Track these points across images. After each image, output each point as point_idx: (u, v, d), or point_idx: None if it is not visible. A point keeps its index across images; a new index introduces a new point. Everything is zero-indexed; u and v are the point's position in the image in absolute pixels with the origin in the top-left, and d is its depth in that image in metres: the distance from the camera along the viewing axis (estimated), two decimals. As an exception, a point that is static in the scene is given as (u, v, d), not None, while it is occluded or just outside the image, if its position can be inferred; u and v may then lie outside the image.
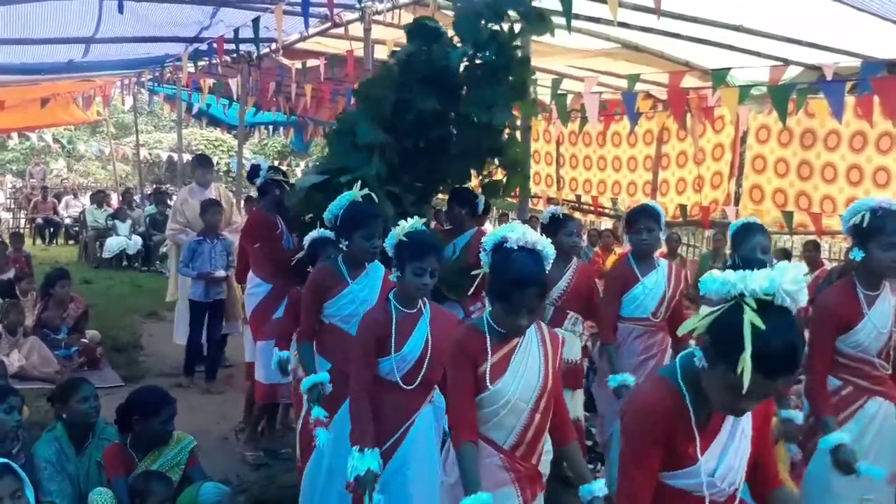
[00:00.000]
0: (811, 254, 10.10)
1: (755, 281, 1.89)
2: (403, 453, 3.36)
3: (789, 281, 1.88)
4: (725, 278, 1.94)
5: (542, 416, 2.75)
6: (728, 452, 2.13)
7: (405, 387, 3.33)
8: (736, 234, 3.99)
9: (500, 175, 5.40)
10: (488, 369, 2.69)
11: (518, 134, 5.27)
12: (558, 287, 4.83)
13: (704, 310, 2.02)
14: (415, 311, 3.36)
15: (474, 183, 5.71)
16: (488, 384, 2.68)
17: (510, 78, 4.94)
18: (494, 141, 5.07)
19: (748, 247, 3.88)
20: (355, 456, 3.09)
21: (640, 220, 4.41)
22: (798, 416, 3.70)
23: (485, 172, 5.35)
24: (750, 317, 1.84)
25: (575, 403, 4.87)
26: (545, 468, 2.86)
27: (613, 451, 4.49)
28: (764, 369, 1.84)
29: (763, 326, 1.83)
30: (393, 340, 3.28)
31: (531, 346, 2.77)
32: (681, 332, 2.15)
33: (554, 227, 4.88)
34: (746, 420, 2.16)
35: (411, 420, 3.39)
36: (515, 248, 2.64)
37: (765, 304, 1.87)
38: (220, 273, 6.95)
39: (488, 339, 2.72)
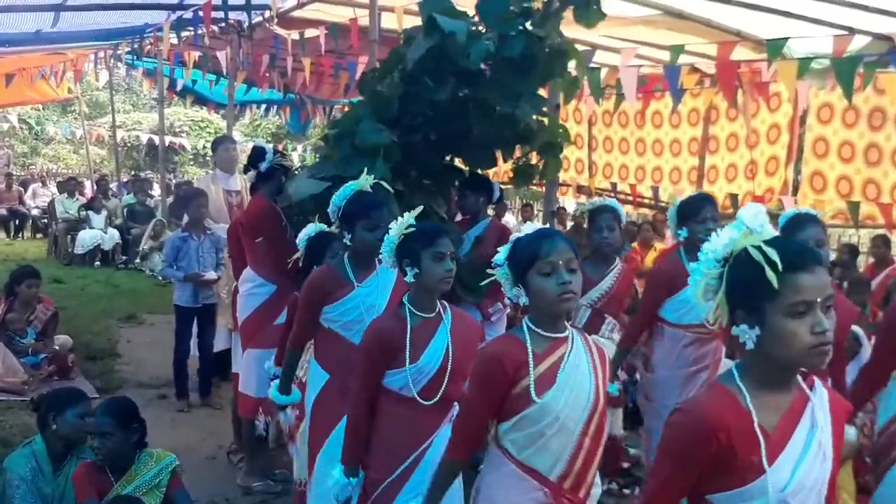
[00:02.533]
0: (880, 250, 10.01)
1: (723, 238, 2.08)
2: (419, 479, 3.27)
3: (749, 219, 2.06)
4: (702, 260, 2.11)
5: (592, 441, 2.69)
6: (801, 465, 2.06)
7: (423, 402, 3.28)
8: (786, 226, 3.98)
9: (533, 159, 5.40)
10: (533, 381, 2.63)
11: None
12: (599, 288, 4.85)
13: None
14: (433, 315, 3.32)
15: (506, 168, 5.73)
16: (534, 397, 2.61)
17: (543, 68, 4.96)
18: (522, 127, 5.09)
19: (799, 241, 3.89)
20: (337, 473, 3.23)
21: (705, 208, 4.44)
22: (851, 433, 3.68)
23: (517, 156, 5.36)
24: (744, 239, 2.04)
25: (613, 420, 4.90)
26: None
27: None
28: (790, 264, 1.98)
29: (759, 243, 2.02)
30: (408, 351, 3.24)
31: (580, 357, 2.72)
32: (713, 322, 2.17)
33: (588, 222, 4.94)
34: (824, 432, 2.10)
35: (429, 441, 3.32)
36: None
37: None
38: (211, 275, 6.93)
39: (529, 347, 2.67)
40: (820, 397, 2.13)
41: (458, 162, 5.59)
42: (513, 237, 2.76)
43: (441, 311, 3.35)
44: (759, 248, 2.00)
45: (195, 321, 7.00)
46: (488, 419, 2.70)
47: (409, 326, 3.27)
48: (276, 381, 4.21)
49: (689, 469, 2.08)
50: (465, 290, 4.80)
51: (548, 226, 2.83)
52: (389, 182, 4.51)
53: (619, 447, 5.08)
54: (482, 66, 4.92)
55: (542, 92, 5.28)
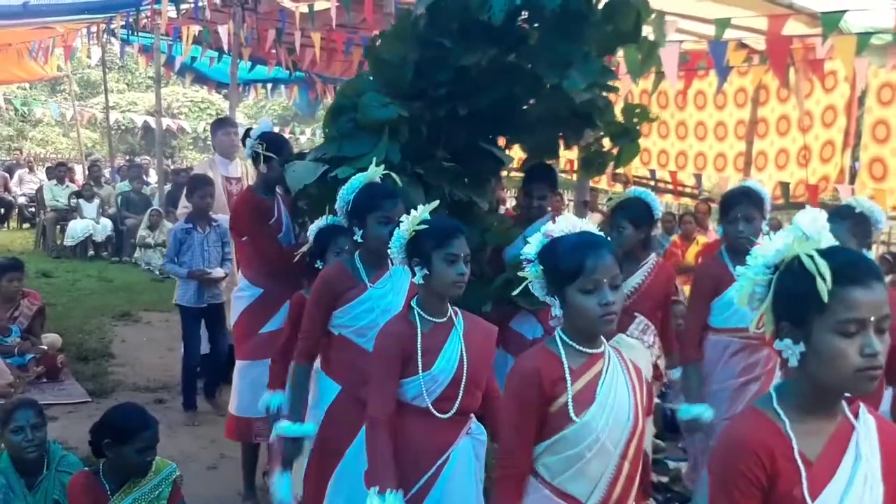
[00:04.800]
0: (947, 245, 9.98)
1: (776, 243, 2.07)
2: (436, 498, 3.29)
3: (806, 225, 2.04)
4: (750, 265, 2.10)
5: (631, 465, 2.69)
6: (845, 501, 2.03)
7: (438, 415, 3.27)
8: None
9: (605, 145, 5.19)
10: (570, 399, 2.61)
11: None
12: (629, 284, 4.82)
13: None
14: (444, 320, 3.32)
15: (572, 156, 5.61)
16: (573, 416, 2.60)
17: (596, 28, 4.64)
18: (582, 104, 4.74)
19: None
20: (374, 500, 3.06)
21: (738, 205, 4.41)
22: None
23: (587, 142, 5.15)
24: (798, 246, 2.02)
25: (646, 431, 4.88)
26: None
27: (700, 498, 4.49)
28: (844, 276, 1.96)
29: (812, 251, 2.00)
30: (420, 358, 3.24)
31: (617, 374, 2.71)
32: (753, 328, 2.18)
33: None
34: (871, 464, 2.07)
35: (446, 455, 3.32)
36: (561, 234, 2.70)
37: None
38: (218, 272, 6.84)
39: (565, 361, 2.66)
40: (865, 424, 2.10)
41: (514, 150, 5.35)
42: (546, 231, 2.72)
43: (452, 315, 3.34)
44: (811, 257, 1.99)
45: (203, 322, 6.91)
46: (534, 439, 2.66)
47: (419, 332, 3.27)
48: (289, 426, 3.83)
49: (748, 497, 2.05)
50: (522, 297, 4.67)
51: (587, 223, 2.78)
52: (403, 165, 4.41)
53: (647, 462, 5.06)
54: (520, 25, 4.64)
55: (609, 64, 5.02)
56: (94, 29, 14.10)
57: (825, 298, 1.93)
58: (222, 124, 7.70)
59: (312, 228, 4.50)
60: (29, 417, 4.15)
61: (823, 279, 1.94)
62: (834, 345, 1.95)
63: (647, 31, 5.09)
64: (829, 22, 6.04)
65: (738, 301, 2.14)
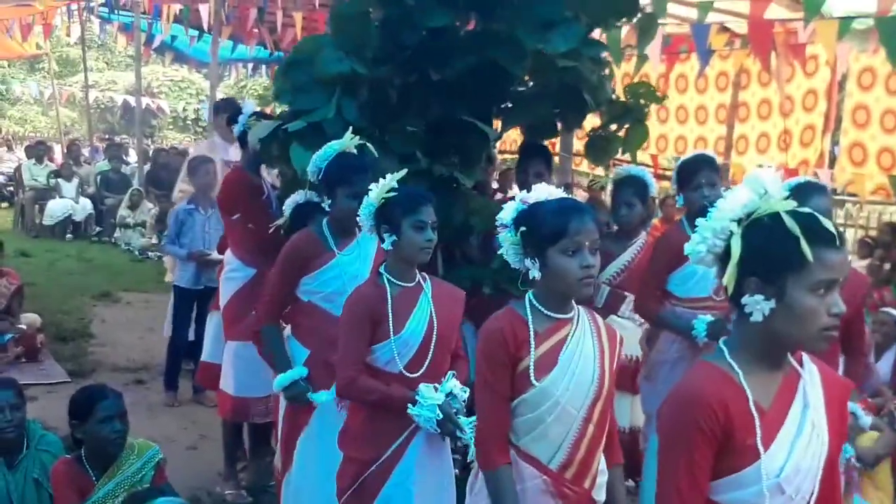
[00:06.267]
0: (925, 229, 10.03)
1: (741, 198, 2.05)
2: (408, 463, 3.36)
3: (769, 183, 2.05)
4: (712, 218, 2.08)
5: (596, 427, 2.72)
6: (795, 447, 2.07)
7: (409, 375, 3.33)
8: (790, 194, 3.97)
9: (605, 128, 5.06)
10: (532, 363, 2.65)
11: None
12: (618, 262, 4.85)
13: None
14: (413, 284, 3.39)
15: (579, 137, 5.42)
16: (533, 380, 2.64)
17: None
18: (569, 76, 4.53)
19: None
20: (423, 408, 3.19)
21: (701, 171, 4.38)
22: (863, 416, 3.66)
23: (594, 128, 5.01)
24: (778, 205, 2.02)
25: (634, 410, 4.92)
26: (599, 494, 2.81)
27: (648, 465, 4.50)
28: (821, 238, 1.98)
29: (791, 209, 2.01)
30: (391, 322, 3.31)
31: (584, 337, 2.74)
32: (730, 293, 2.13)
33: (611, 195, 4.95)
34: (817, 411, 2.10)
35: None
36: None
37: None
38: (218, 255, 6.55)
39: (531, 325, 2.68)
40: (810, 373, 2.15)
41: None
42: (522, 198, 2.72)
43: (421, 280, 3.43)
44: (793, 216, 1.99)
45: (195, 306, 6.83)
46: (510, 403, 2.68)
47: (389, 296, 3.34)
48: (280, 376, 3.89)
49: (705, 449, 2.05)
50: (510, 282, 4.04)
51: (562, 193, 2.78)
52: (370, 130, 4.29)
53: (613, 427, 5.07)
54: None
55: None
56: (74, 7, 13.98)
57: (810, 258, 1.95)
58: (226, 107, 7.35)
59: (288, 203, 4.48)
60: (8, 398, 4.10)
61: (807, 240, 1.95)
62: (808, 303, 1.99)
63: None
64: (812, 6, 6.01)
65: (693, 255, 2.14)
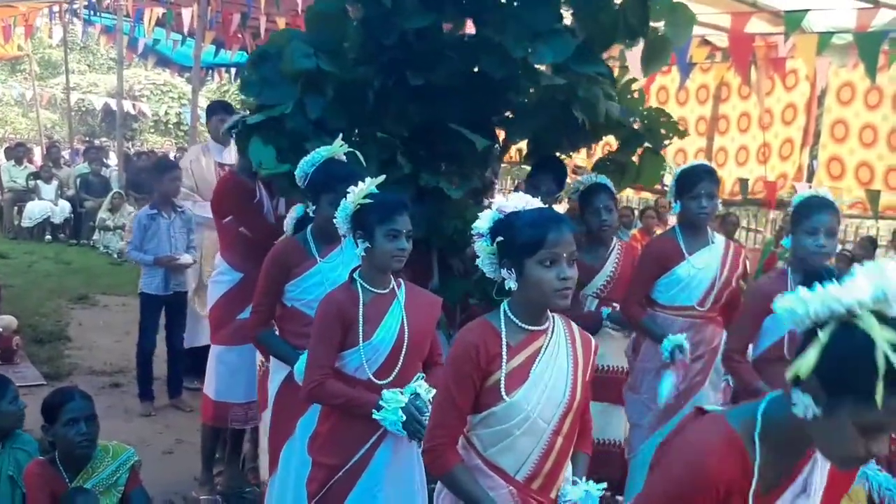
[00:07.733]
0: (902, 244, 10.11)
1: (859, 289, 1.77)
2: (376, 469, 3.35)
3: (891, 290, 1.76)
4: (816, 298, 1.82)
5: (565, 440, 2.69)
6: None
7: (378, 382, 3.32)
8: (798, 208, 3.96)
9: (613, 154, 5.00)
10: (503, 377, 2.61)
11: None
12: (602, 274, 4.85)
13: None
14: (386, 291, 3.39)
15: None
16: (503, 395, 2.60)
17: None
18: (550, 88, 4.42)
19: (810, 226, 3.81)
20: (389, 412, 3.17)
21: (702, 181, 4.39)
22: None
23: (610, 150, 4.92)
24: (877, 331, 1.73)
25: (619, 423, 4.87)
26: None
27: (635, 479, 4.49)
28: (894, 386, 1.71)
29: (891, 339, 1.71)
30: (361, 328, 3.31)
31: (559, 350, 2.70)
32: (790, 378, 1.87)
33: (581, 203, 4.91)
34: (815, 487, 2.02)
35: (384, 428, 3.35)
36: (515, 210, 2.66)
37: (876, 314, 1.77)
38: (186, 258, 6.61)
39: (504, 337, 2.65)
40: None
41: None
42: (499, 206, 2.68)
43: (395, 287, 3.42)
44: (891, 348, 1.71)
45: (163, 311, 6.75)
46: (468, 410, 2.67)
47: (361, 301, 3.34)
48: (297, 365, 3.79)
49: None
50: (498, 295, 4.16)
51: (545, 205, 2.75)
52: (347, 132, 4.22)
53: (587, 423, 5.06)
54: None
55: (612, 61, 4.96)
56: (56, 9, 13.93)
57: (879, 404, 1.69)
58: (218, 110, 7.19)
59: (289, 220, 4.42)
60: (14, 391, 4.11)
61: (886, 383, 1.70)
62: (858, 431, 1.76)
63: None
64: (792, 21, 6.07)
65: (784, 311, 1.87)
